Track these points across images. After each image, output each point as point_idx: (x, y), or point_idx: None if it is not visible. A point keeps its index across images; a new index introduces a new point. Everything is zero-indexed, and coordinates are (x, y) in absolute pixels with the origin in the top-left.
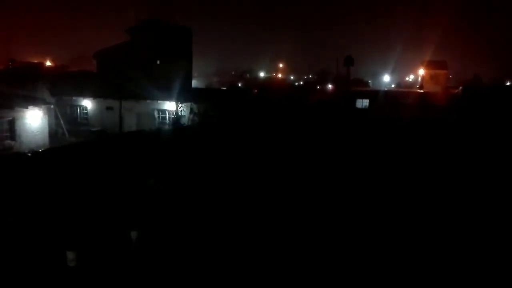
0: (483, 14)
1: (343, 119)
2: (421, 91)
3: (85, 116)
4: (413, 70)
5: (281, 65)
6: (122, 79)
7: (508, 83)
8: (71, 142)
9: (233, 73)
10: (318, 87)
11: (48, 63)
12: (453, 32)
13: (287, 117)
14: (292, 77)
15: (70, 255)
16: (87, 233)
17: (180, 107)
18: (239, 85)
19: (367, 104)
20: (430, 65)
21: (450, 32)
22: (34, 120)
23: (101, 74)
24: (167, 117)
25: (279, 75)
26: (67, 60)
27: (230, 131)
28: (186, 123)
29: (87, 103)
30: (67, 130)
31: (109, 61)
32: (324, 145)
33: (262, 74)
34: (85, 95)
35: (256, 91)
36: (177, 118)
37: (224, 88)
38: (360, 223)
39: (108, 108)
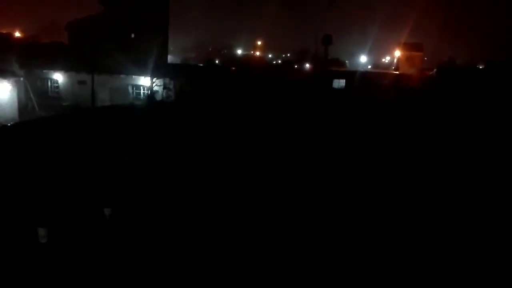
0: None
1: (319, 101)
2: (397, 72)
3: (56, 90)
4: (389, 51)
5: (259, 43)
6: (96, 52)
7: (481, 66)
8: (41, 116)
9: (210, 49)
10: (296, 66)
11: (17, 34)
12: (429, 15)
13: (264, 96)
14: (270, 55)
15: (41, 231)
16: (59, 210)
17: (154, 83)
18: (217, 61)
19: (344, 84)
20: (406, 47)
21: (426, 14)
22: (2, 93)
23: (73, 47)
24: (142, 93)
25: (257, 53)
26: (37, 30)
27: (205, 108)
28: (161, 99)
29: (59, 77)
30: (38, 104)
31: (81, 33)
32: (301, 127)
33: (240, 51)
34: (56, 68)
35: (233, 68)
36: (151, 93)
37: (201, 65)
38: (339, 210)
39: (80, 82)
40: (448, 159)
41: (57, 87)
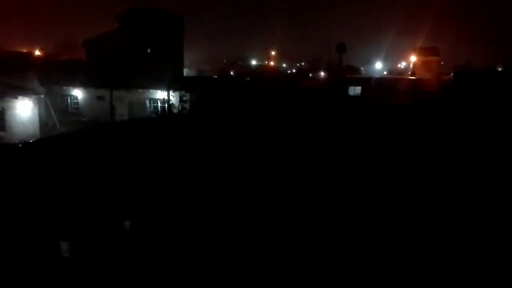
0: (474, 0)
1: (335, 108)
2: (413, 77)
3: (76, 106)
4: (405, 57)
5: (273, 53)
6: (113, 67)
7: (499, 69)
8: (62, 132)
9: (224, 61)
10: (310, 75)
11: (37, 52)
12: (445, 19)
13: (280, 106)
14: (284, 65)
15: (64, 245)
16: (81, 223)
17: (171, 96)
18: (231, 73)
19: (360, 91)
20: (421, 51)
21: (442, 19)
22: (24, 110)
23: (91, 63)
24: (159, 106)
25: (271, 63)
26: (56, 48)
27: (221, 120)
28: (177, 112)
29: (78, 93)
30: (58, 120)
31: (99, 50)
32: (319, 135)
33: (254, 62)
34: (75, 84)
35: (248, 78)
36: (167, 106)
37: (216, 77)
38: (352, 214)
39: (99, 98)
40: (463, 162)
41: (77, 103)
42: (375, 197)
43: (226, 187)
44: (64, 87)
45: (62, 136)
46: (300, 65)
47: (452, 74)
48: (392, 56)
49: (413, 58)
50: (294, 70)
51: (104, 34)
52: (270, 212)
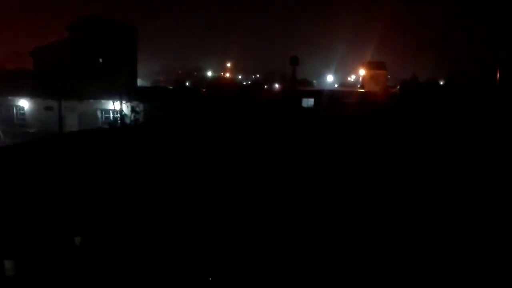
0: (419, 17)
1: (290, 118)
2: (362, 90)
3: (22, 116)
4: (355, 70)
5: (228, 65)
6: (63, 78)
7: (441, 82)
8: (5, 144)
9: (180, 72)
10: (265, 87)
11: None
12: (392, 34)
13: (236, 117)
14: (240, 77)
15: (8, 264)
16: (26, 240)
17: (124, 106)
18: (187, 84)
19: (312, 103)
20: (370, 65)
21: (389, 34)
22: None
23: (39, 73)
24: (111, 117)
25: (227, 75)
26: (2, 57)
27: (175, 131)
28: (130, 123)
29: (24, 103)
30: (2, 131)
31: (48, 59)
32: (272, 144)
33: (210, 74)
34: (21, 94)
35: (204, 90)
36: (119, 117)
37: (171, 87)
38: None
39: (48, 108)
40: (409, 168)
41: (23, 113)
42: (325, 203)
43: (179, 198)
44: (10, 97)
45: (6, 147)
46: (256, 77)
47: (398, 87)
48: (343, 70)
49: (362, 72)
50: (249, 82)
51: (53, 43)
52: (223, 222)
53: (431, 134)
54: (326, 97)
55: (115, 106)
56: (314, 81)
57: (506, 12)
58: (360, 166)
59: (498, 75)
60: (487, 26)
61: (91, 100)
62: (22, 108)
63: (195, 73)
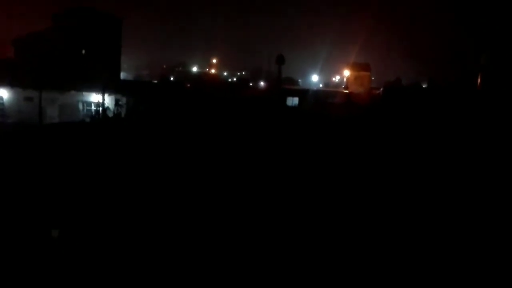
0: (405, 20)
1: (274, 117)
2: (346, 91)
3: (1, 106)
4: (339, 71)
5: (214, 61)
6: (44, 68)
7: (424, 85)
8: None
9: (164, 66)
10: (250, 84)
11: None
12: (378, 36)
13: (221, 113)
14: (225, 73)
15: None
16: (3, 234)
17: (106, 99)
18: (171, 78)
19: (297, 102)
20: (354, 67)
21: (375, 36)
22: None
23: (20, 63)
24: (93, 109)
25: (212, 71)
26: None
27: (156, 125)
28: (112, 116)
29: (3, 93)
30: None
31: (29, 49)
32: (256, 141)
33: (195, 69)
34: (1, 84)
35: (188, 85)
36: (101, 110)
37: (155, 81)
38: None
39: (27, 99)
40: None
41: (2, 104)
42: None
43: (160, 191)
44: None
45: None
46: (241, 74)
47: (381, 89)
48: (328, 70)
49: (346, 73)
50: (235, 79)
51: (35, 32)
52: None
53: (411, 135)
54: (310, 97)
55: (98, 98)
56: (299, 80)
57: (488, 16)
58: (338, 163)
59: (479, 79)
60: (469, 31)
61: (72, 92)
62: (1, 98)
63: (180, 68)
